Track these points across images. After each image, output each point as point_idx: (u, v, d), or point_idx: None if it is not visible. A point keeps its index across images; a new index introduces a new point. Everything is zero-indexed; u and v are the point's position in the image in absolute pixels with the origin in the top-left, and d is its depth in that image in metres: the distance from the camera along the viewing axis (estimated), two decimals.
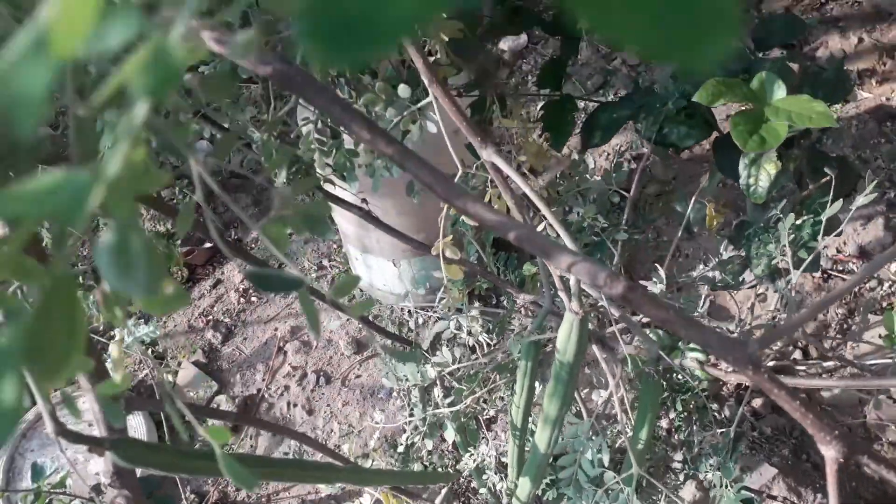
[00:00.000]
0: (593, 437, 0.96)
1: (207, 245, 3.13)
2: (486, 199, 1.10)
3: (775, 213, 1.15)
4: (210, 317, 2.86)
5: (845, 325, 2.25)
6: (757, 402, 2.15)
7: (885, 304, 2.24)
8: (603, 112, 1.23)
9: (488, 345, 1.36)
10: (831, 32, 2.95)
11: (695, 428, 1.44)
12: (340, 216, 2.36)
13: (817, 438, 0.58)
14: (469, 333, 1.33)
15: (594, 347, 1.16)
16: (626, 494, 0.91)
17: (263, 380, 2.61)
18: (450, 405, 1.30)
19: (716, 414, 2.19)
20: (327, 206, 1.31)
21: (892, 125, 2.73)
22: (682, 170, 2.70)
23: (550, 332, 1.15)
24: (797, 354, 2.27)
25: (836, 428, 0.58)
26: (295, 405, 2.52)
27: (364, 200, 1.36)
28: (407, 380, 1.33)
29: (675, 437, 1.47)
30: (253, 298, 2.87)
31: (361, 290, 2.74)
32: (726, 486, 1.18)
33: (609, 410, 1.43)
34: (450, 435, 1.34)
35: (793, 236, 1.17)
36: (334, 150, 1.10)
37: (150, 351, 2.10)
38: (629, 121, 1.21)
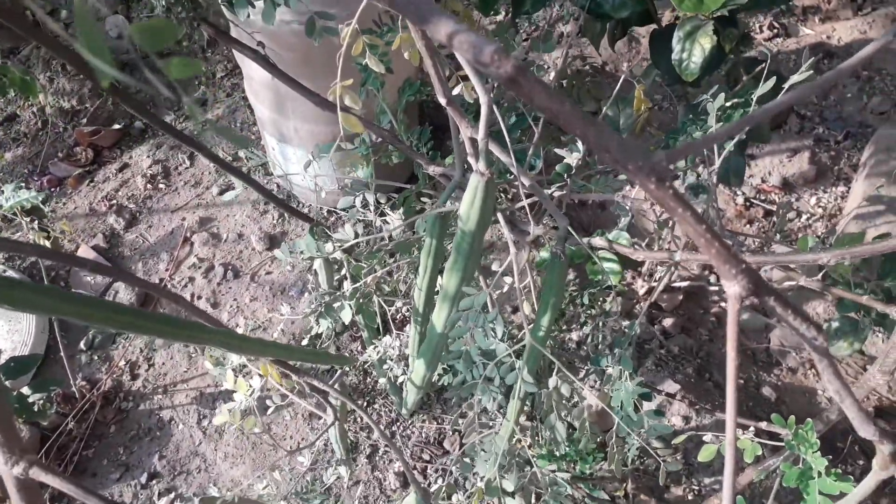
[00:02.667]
0: (490, 310, 0.90)
1: (116, 126, 2.91)
2: (396, 44, 0.99)
3: (705, 99, 1.09)
4: (114, 201, 2.68)
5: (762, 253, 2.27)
6: (667, 322, 2.16)
7: (800, 235, 2.26)
8: None
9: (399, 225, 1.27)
10: None
11: (600, 323, 1.41)
12: (256, 98, 2.20)
13: (721, 272, 0.52)
14: (375, 211, 1.24)
15: (504, 229, 1.09)
16: (519, 368, 0.85)
17: (167, 269, 2.47)
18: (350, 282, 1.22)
19: (625, 331, 2.19)
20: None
21: (829, 63, 2.72)
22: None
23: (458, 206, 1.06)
24: (714, 279, 2.28)
25: (742, 262, 0.52)
26: (199, 297, 2.40)
27: (260, 44, 1.23)
28: (302, 253, 1.23)
29: (581, 331, 1.43)
30: (161, 185, 2.69)
31: (279, 186, 2.60)
32: (625, 379, 1.15)
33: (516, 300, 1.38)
34: (346, 315, 1.26)
35: (721, 123, 1.12)
36: None
37: (35, 223, 1.93)
38: None
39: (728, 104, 1.06)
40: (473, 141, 0.91)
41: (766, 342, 2.16)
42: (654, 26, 1.46)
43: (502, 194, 1.17)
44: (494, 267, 2.17)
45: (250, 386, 1.44)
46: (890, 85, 2.61)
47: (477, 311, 0.91)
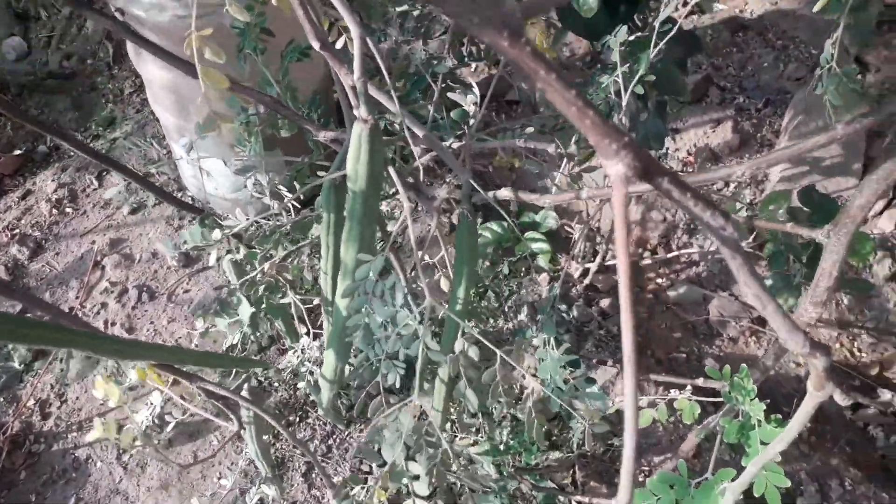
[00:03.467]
0: (393, 275, 0.80)
1: (17, 152, 2.73)
2: None
3: (609, 39, 1.02)
4: (17, 230, 2.49)
5: (692, 225, 2.24)
6: (605, 303, 2.10)
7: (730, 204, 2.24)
8: None
9: (296, 207, 1.17)
10: None
11: (524, 293, 1.32)
12: (158, 104, 2.07)
13: (600, 149, 0.43)
14: (270, 191, 1.13)
15: (400, 191, 0.99)
16: (422, 334, 0.76)
17: (77, 297, 2.30)
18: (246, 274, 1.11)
19: (564, 315, 2.13)
20: None
21: (744, 35, 2.73)
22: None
23: None
24: (647, 257, 2.24)
25: (624, 135, 0.43)
26: (114, 324, 2.24)
27: (119, 10, 1.12)
28: (185, 243, 1.12)
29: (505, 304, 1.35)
30: (68, 210, 2.53)
31: (194, 199, 2.46)
32: (551, 348, 1.07)
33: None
34: (245, 311, 1.14)
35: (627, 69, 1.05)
36: None
37: None
38: None
39: (631, 38, 1.00)
40: (355, 90, 0.82)
41: (706, 314, 2.11)
42: None
43: (400, 160, 1.08)
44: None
45: (150, 403, 1.31)
46: (804, 52, 2.63)
47: (373, 280, 0.81)
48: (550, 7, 1.09)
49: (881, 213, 2.16)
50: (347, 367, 1.12)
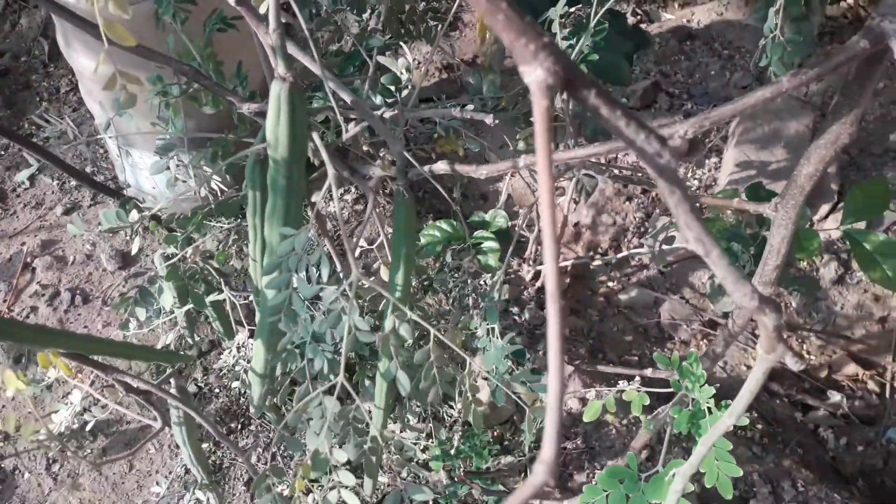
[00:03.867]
0: (313, 251, 0.74)
1: None
2: None
3: (551, 12, 0.99)
4: None
5: (642, 228, 2.22)
6: None
7: None
8: None
9: (222, 190, 1.10)
10: None
11: (467, 281, 1.27)
12: (91, 98, 1.97)
13: (516, 52, 0.38)
14: (195, 174, 1.07)
15: (327, 164, 0.93)
16: (348, 312, 0.70)
17: (5, 301, 2.17)
18: (166, 260, 1.03)
19: (516, 318, 2.09)
20: None
21: (692, 44, 2.76)
22: None
23: None
24: (598, 262, 2.21)
25: (542, 34, 0.38)
26: None
27: None
28: (100, 224, 1.04)
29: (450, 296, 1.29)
30: None
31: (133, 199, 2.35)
32: (496, 336, 1.02)
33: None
34: (167, 300, 1.07)
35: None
36: None
37: None
38: None
39: (571, 9, 0.97)
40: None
41: (657, 317, 2.10)
42: None
43: (331, 133, 1.02)
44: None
45: (70, 402, 1.21)
46: (749, 61, 2.67)
47: (298, 255, 0.75)
48: None
49: (826, 217, 2.17)
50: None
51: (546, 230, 0.39)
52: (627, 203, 2.27)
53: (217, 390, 1.96)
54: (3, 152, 2.55)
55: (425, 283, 1.28)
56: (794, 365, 0.53)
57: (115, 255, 2.22)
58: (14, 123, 2.66)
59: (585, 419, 1.04)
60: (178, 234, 1.08)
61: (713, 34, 2.78)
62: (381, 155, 1.10)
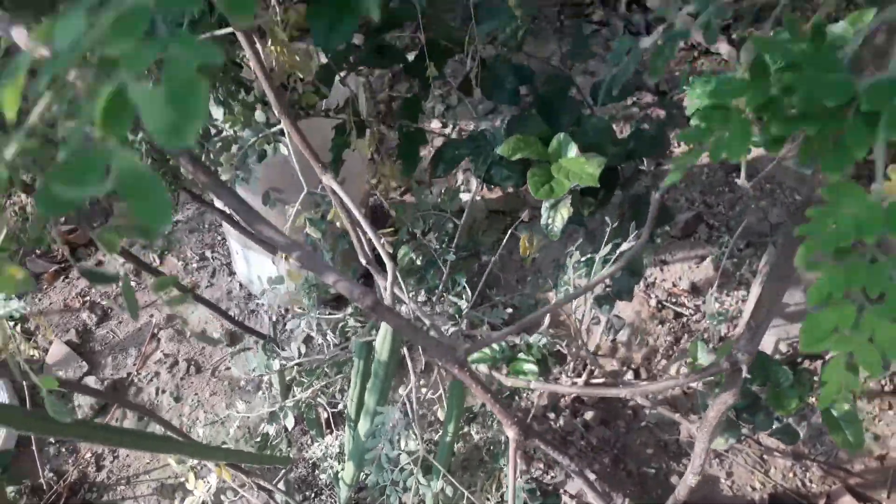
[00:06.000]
0: (398, 424, 1.13)
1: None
2: (331, 216, 1.26)
3: (571, 251, 1.37)
4: (87, 297, 2.88)
5: (671, 352, 2.54)
6: (589, 415, 2.41)
7: (706, 335, 2.55)
8: (446, 148, 1.41)
9: (335, 345, 1.51)
10: None
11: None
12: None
13: (503, 422, 0.78)
14: (318, 332, 1.48)
15: (409, 366, 1.33)
16: (416, 473, 1.08)
17: (134, 364, 2.66)
18: (292, 396, 1.45)
19: (552, 423, 2.43)
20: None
21: (738, 175, 3.07)
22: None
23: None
24: (629, 375, 2.54)
25: (514, 415, 0.78)
26: (163, 391, 2.59)
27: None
28: (254, 370, 1.47)
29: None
30: (132, 283, 2.91)
31: (241, 285, 2.84)
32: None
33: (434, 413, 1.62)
34: (289, 422, 1.48)
35: (583, 269, 1.39)
36: None
37: (17, 327, 2.13)
38: (467, 157, 1.39)
39: (583, 258, 1.35)
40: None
41: (678, 434, 2.40)
42: None
43: None
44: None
45: (208, 482, 1.64)
46: (789, 197, 2.97)
47: (387, 427, 1.15)
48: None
49: None
50: (362, 475, 1.45)
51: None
52: (660, 326, 2.60)
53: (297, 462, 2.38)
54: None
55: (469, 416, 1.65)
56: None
57: (224, 333, 2.69)
58: None
59: None
60: (304, 381, 1.50)
61: (758, 168, 3.09)
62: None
